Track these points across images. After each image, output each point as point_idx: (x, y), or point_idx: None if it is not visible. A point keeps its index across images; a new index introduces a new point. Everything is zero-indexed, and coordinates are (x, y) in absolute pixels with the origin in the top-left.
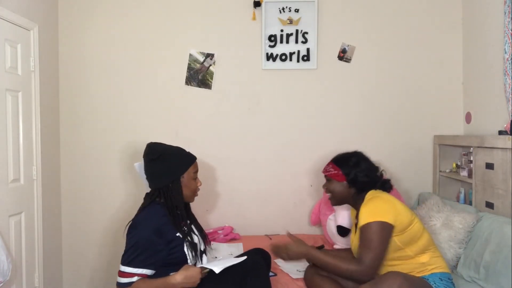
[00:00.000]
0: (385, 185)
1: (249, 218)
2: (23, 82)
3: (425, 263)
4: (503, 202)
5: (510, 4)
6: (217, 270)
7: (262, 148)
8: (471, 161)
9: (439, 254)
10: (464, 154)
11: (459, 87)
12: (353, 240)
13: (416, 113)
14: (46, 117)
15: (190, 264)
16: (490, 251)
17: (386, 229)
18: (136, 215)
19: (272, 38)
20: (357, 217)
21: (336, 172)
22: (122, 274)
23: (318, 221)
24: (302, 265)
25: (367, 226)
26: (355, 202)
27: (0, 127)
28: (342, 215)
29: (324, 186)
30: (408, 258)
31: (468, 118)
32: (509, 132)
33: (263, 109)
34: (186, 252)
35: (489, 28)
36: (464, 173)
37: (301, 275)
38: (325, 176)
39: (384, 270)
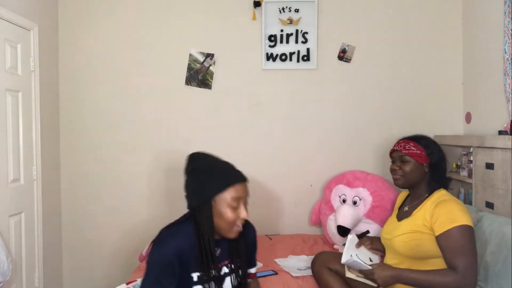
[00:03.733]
0: (449, 183)
1: (249, 218)
2: (23, 82)
3: None
4: (503, 202)
5: (510, 4)
6: None
7: (262, 148)
8: (471, 161)
9: None
10: (464, 154)
11: (459, 87)
12: (389, 229)
13: (416, 113)
14: (46, 117)
15: None
16: (490, 252)
17: (471, 232)
18: (162, 230)
19: (272, 38)
20: (403, 202)
21: (419, 152)
22: None
23: (318, 221)
24: (302, 264)
25: (450, 233)
26: (419, 189)
27: (0, 127)
28: (343, 215)
29: (395, 165)
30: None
31: (468, 118)
32: (509, 132)
33: (263, 109)
34: None
35: (489, 28)
36: (464, 173)
37: (301, 274)
38: (402, 155)
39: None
